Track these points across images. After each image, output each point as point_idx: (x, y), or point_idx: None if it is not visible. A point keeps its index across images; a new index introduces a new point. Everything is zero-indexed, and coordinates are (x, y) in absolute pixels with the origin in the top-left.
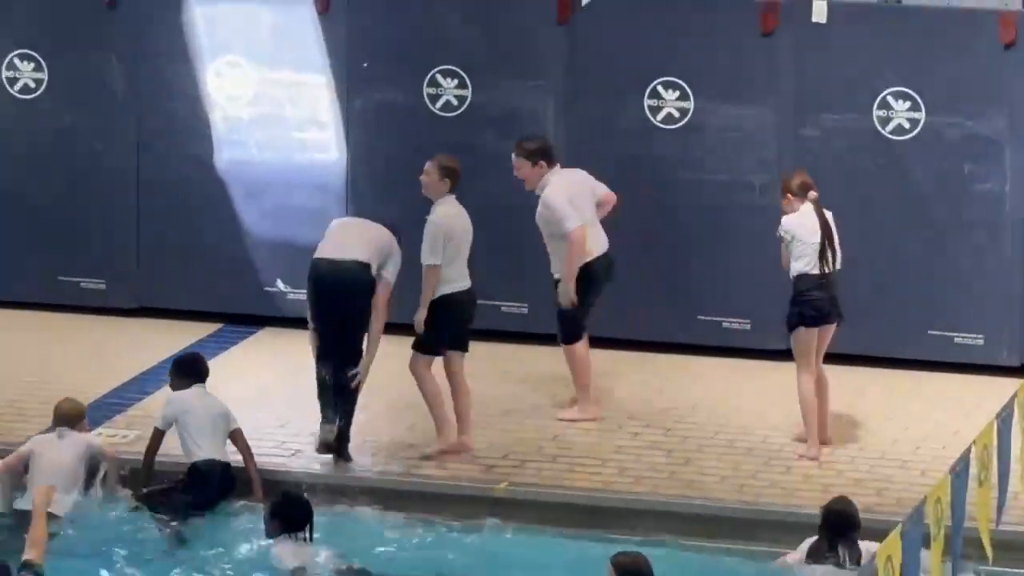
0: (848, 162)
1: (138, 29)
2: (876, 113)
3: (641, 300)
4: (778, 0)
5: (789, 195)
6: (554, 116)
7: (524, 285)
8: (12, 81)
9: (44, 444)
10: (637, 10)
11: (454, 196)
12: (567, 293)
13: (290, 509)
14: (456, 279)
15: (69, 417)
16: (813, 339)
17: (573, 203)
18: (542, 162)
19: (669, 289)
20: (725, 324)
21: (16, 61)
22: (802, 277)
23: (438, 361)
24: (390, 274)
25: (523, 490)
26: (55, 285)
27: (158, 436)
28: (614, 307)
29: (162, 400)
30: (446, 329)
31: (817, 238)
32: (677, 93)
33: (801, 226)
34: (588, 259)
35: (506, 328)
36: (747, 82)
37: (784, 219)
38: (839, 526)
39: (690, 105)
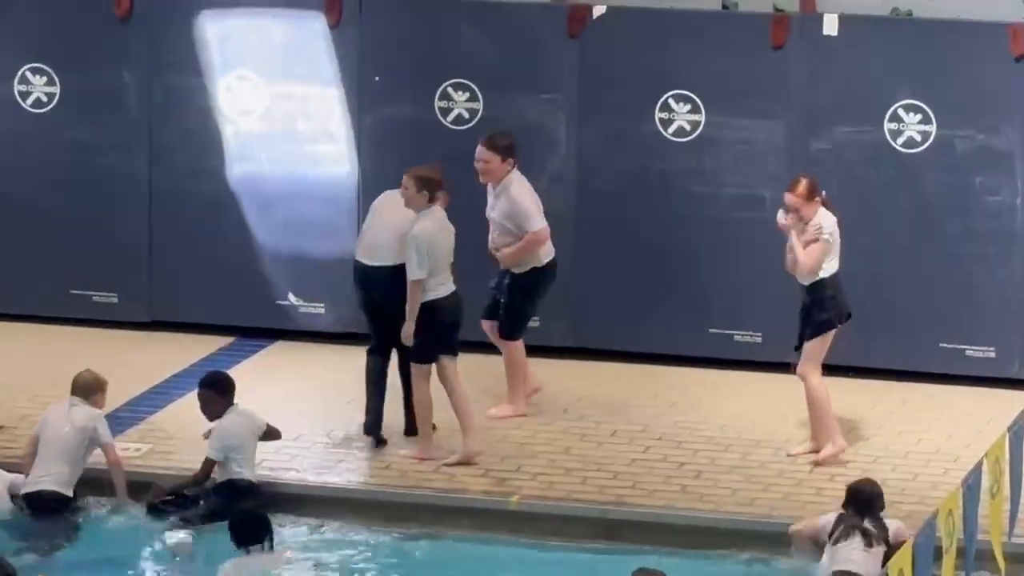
0: (859, 175)
1: (150, 43)
2: (887, 126)
3: (652, 313)
4: (789, 13)
5: (817, 197)
6: (566, 129)
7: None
8: (25, 95)
9: (54, 413)
10: (648, 23)
11: (436, 206)
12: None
13: (249, 524)
14: (439, 286)
15: (85, 388)
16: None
17: (536, 203)
18: (511, 159)
19: (680, 302)
20: (737, 337)
21: (29, 75)
22: (835, 276)
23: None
24: None
25: (535, 503)
26: (67, 298)
27: (210, 466)
28: (626, 320)
29: (176, 414)
30: (435, 335)
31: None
32: (688, 106)
33: (835, 226)
34: (547, 260)
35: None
36: (758, 95)
37: (825, 220)
38: (867, 503)
39: (701, 118)
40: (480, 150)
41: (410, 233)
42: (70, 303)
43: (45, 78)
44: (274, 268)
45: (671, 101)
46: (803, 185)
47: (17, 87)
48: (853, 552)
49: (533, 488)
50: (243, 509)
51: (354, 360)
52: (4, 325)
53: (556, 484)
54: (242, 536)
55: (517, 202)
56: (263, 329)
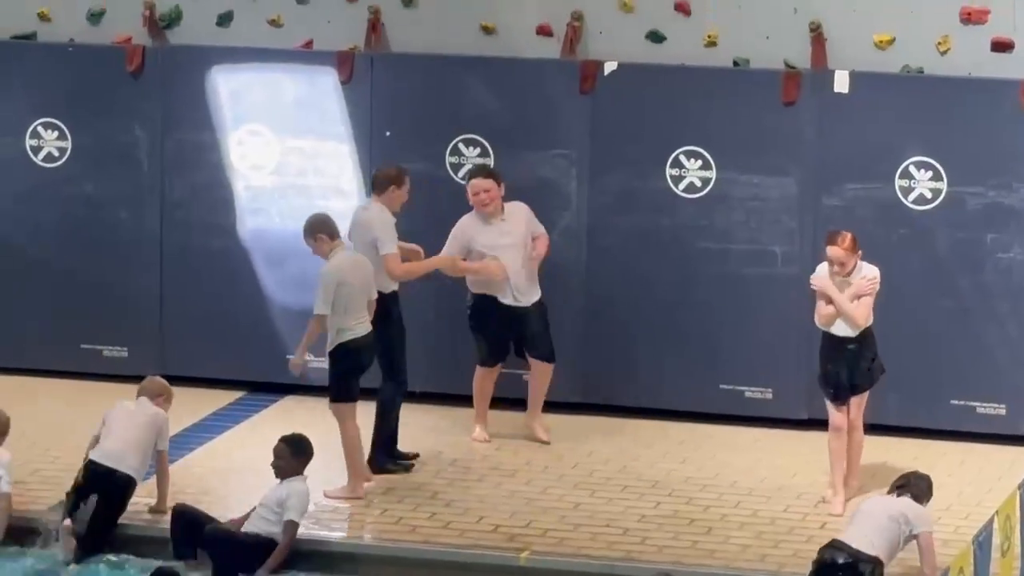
0: (870, 232)
1: (162, 98)
2: (898, 182)
3: (663, 369)
4: (800, 70)
5: (859, 251)
6: (577, 185)
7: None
8: (36, 149)
9: (118, 408)
10: (660, 79)
11: (343, 244)
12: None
13: None
14: (357, 324)
15: (151, 391)
16: None
17: None
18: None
19: (691, 358)
20: (747, 393)
21: (40, 129)
22: (872, 327)
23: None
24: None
25: (545, 559)
26: (78, 352)
27: (296, 529)
28: (637, 376)
29: (187, 468)
30: (357, 374)
31: None
32: (700, 162)
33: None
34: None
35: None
36: (770, 151)
37: (874, 270)
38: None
39: (712, 174)
40: (480, 182)
41: (321, 269)
42: (81, 357)
43: (57, 133)
44: (284, 323)
45: (682, 157)
46: (848, 239)
47: (29, 141)
48: None
49: (543, 544)
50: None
51: (362, 415)
52: (15, 379)
53: (566, 540)
54: None
55: (532, 221)
56: (273, 384)
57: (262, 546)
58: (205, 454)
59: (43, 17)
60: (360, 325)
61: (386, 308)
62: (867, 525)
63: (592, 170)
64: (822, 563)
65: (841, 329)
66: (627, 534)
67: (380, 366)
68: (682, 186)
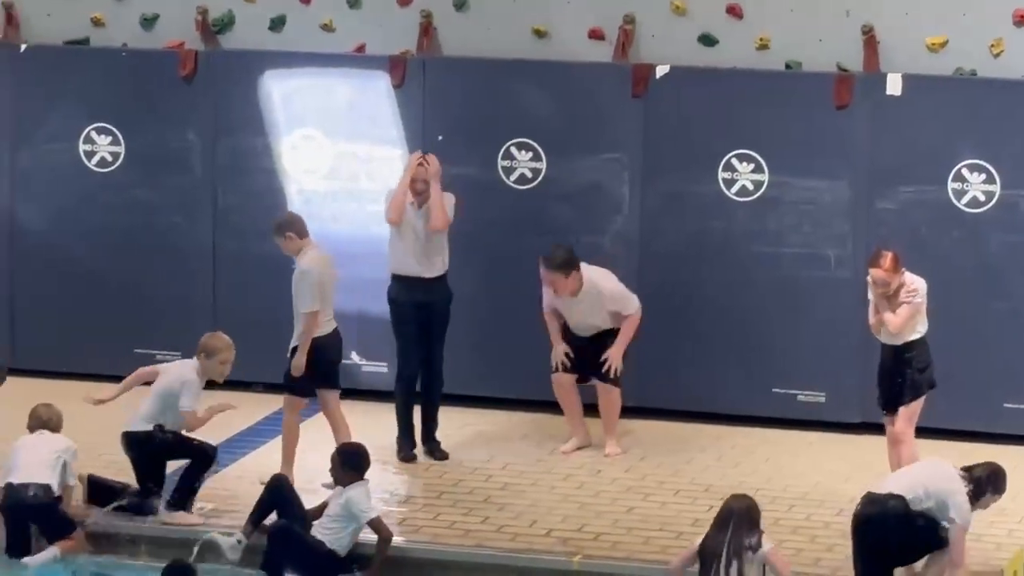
0: (923, 235)
1: (215, 103)
2: (951, 185)
3: (716, 373)
4: (853, 73)
5: (902, 270)
6: (629, 189)
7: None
8: (90, 154)
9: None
10: (711, 83)
11: (312, 242)
12: None
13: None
14: (325, 322)
15: (205, 347)
16: None
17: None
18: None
19: (744, 362)
20: (800, 397)
21: (93, 135)
22: (924, 338)
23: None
24: None
25: (597, 563)
26: (131, 357)
27: (380, 521)
28: (689, 380)
29: (240, 473)
30: (320, 371)
31: None
32: (752, 166)
33: (925, 288)
34: None
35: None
36: (821, 155)
37: (918, 284)
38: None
39: (765, 178)
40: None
41: (299, 268)
42: (134, 362)
43: (110, 138)
44: (338, 327)
45: (734, 161)
46: (889, 259)
47: (82, 147)
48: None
49: (595, 548)
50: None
51: (367, 412)
52: (69, 384)
53: (619, 544)
54: None
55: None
56: None
57: (324, 555)
58: (256, 458)
59: (96, 22)
60: (328, 323)
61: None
62: (906, 479)
63: (644, 174)
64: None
65: (887, 337)
66: (680, 538)
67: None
68: (734, 190)
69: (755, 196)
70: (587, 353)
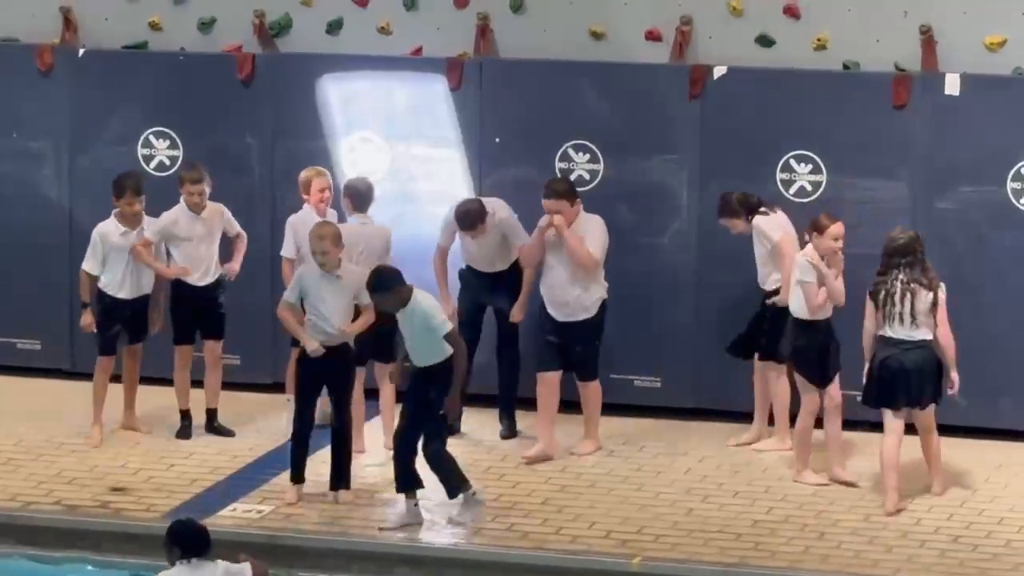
0: (982, 234)
1: (273, 106)
2: (1010, 185)
3: None
4: (911, 72)
5: None
6: (687, 190)
7: (657, 359)
8: (148, 158)
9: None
10: (769, 83)
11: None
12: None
13: (189, 535)
14: None
15: None
16: None
17: None
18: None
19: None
20: (859, 398)
21: (152, 139)
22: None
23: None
24: None
25: (657, 564)
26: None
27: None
28: (748, 381)
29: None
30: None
31: None
32: (810, 167)
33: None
34: None
35: (640, 403)
36: (880, 155)
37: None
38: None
39: (823, 178)
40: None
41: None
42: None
43: (168, 142)
44: None
45: (792, 161)
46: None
47: (141, 151)
48: None
49: (655, 549)
50: (183, 520)
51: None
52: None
53: (678, 545)
54: (186, 545)
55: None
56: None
57: None
58: (313, 463)
59: (154, 26)
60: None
61: None
62: None
63: (702, 175)
64: None
65: (827, 311)
66: (740, 539)
67: None
68: (792, 190)
69: (813, 197)
70: (566, 350)
